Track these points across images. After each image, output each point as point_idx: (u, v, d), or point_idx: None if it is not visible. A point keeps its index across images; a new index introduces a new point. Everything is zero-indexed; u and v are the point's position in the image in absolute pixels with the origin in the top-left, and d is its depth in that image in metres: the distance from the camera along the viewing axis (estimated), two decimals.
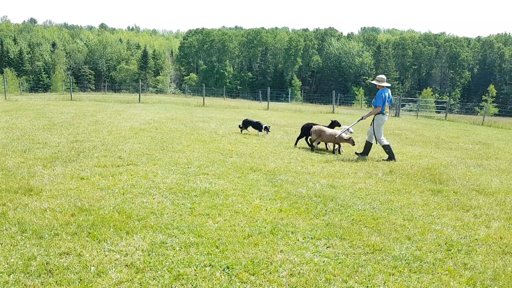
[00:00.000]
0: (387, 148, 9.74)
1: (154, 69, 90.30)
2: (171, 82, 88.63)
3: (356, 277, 3.70)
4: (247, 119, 13.97)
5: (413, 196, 6.61)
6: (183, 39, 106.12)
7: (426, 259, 4.18)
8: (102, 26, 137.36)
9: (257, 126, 13.37)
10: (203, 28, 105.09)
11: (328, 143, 11.17)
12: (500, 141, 15.45)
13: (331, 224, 5.08)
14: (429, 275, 3.83)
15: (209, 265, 3.79)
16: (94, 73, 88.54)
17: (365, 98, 58.89)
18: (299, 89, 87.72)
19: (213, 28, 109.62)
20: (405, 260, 4.13)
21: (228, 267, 3.75)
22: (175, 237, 4.41)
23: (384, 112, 9.64)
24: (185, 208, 5.36)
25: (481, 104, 61.39)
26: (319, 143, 10.98)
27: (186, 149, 9.61)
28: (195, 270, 3.68)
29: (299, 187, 6.76)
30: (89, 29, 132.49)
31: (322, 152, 10.51)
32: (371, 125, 9.95)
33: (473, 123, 26.12)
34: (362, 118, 10.10)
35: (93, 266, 3.68)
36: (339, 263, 3.98)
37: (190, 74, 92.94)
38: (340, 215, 5.45)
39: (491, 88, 71.62)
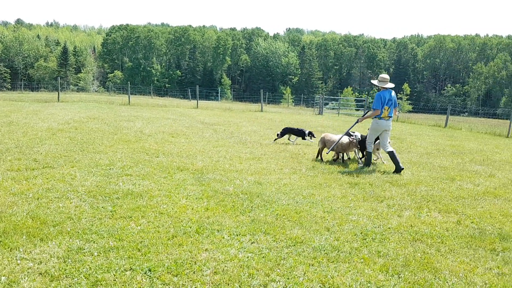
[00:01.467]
0: (368, 156, 9.02)
1: (75, 67, 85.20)
2: (94, 79, 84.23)
3: (278, 270, 3.81)
4: (287, 127, 12.80)
5: (333, 189, 6.94)
6: (106, 35, 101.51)
7: (343, 248, 4.42)
8: (19, 21, 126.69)
9: (300, 133, 12.33)
10: (127, 24, 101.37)
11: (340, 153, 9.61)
12: (412, 136, 16.75)
13: (256, 220, 5.17)
14: (346, 263, 4.06)
15: (130, 269, 3.67)
16: (9, 71, 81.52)
17: (292, 97, 60.68)
18: (229, 88, 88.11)
19: (138, 24, 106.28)
20: (324, 250, 4.33)
21: (150, 270, 3.66)
22: (94, 242, 4.21)
23: (381, 116, 8.59)
24: (106, 212, 5.14)
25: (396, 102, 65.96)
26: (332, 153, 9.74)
27: (108, 150, 9.21)
28: (115, 275, 3.55)
29: (226, 185, 6.79)
30: (4, 24, 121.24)
31: (252, 151, 10.62)
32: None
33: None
34: (358, 121, 9.33)
35: (3, 276, 3.40)
36: (263, 257, 4.07)
37: (115, 71, 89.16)
38: (265, 210, 5.57)
39: (406, 87, 77.34)
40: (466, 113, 73.89)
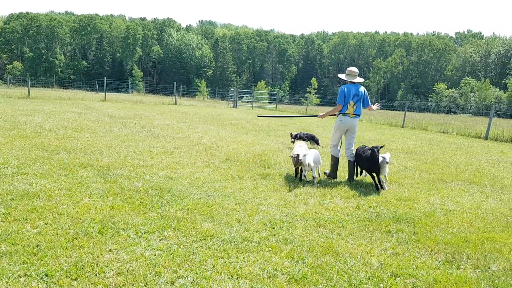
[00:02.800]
0: (333, 160, 7.81)
1: None
2: None
3: (187, 266, 3.77)
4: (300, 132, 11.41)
5: (245, 181, 7.05)
6: (4, 24, 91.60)
7: (252, 238, 4.51)
8: None
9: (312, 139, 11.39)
10: (27, 12, 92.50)
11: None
12: (319, 128, 17.65)
13: (166, 216, 5.06)
14: (254, 253, 4.15)
15: (24, 275, 3.37)
16: None
17: (207, 90, 60.34)
18: (140, 80, 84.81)
19: (39, 12, 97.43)
20: (234, 242, 4.38)
21: (46, 275, 3.40)
22: None
23: (345, 112, 7.51)
24: None
25: (305, 95, 69.10)
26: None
27: (3, 147, 8.35)
28: (7, 282, 3.24)
29: (135, 181, 6.54)
30: None
31: (164, 145, 10.33)
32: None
33: (298, 112, 29.21)
34: (317, 115, 8.32)
35: None
36: (171, 254, 4.00)
37: (14, 62, 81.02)
38: (176, 206, 5.47)
39: (313, 81, 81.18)
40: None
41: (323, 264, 3.99)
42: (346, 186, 7.14)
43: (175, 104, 28.13)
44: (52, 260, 3.67)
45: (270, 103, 41.73)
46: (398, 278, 3.83)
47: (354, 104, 7.51)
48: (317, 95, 74.67)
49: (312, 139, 11.43)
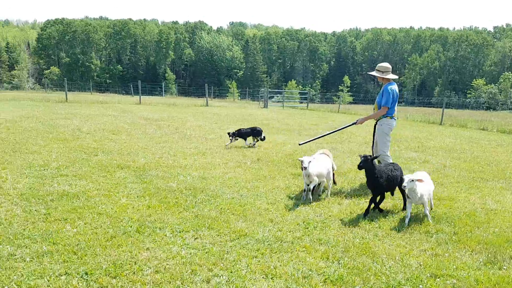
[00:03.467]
0: None
1: (8, 64, 79.42)
2: (29, 76, 79.14)
3: (221, 264, 3.80)
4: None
5: (277, 181, 7.03)
6: (41, 30, 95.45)
7: (286, 238, 4.49)
8: None
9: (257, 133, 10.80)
10: (63, 18, 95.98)
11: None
12: (352, 126, 17.32)
13: (200, 215, 5.12)
14: (288, 253, 4.13)
15: (65, 274, 3.50)
16: None
17: (237, 91, 60.69)
18: (173, 83, 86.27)
19: (74, 18, 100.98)
20: (268, 242, 4.37)
21: (86, 273, 3.51)
22: (26, 247, 3.96)
23: (393, 115, 6.75)
24: (39, 215, 4.85)
25: (337, 94, 68.25)
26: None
27: (42, 150, 8.71)
28: (49, 281, 3.36)
29: (169, 182, 6.66)
30: None
31: (197, 146, 10.47)
32: (374, 134, 7.01)
33: (330, 111, 28.90)
34: (356, 122, 7.19)
35: None
36: (206, 252, 4.04)
37: (51, 67, 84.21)
38: (209, 205, 5.53)
39: (346, 79, 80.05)
40: (403, 103, 77.98)
41: (359, 265, 3.92)
42: None
43: (207, 105, 28.45)
44: (92, 259, 3.79)
45: (301, 102, 41.46)
46: (438, 279, 3.71)
47: (397, 105, 6.85)
48: (349, 93, 73.60)
49: (252, 133, 10.76)
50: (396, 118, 6.87)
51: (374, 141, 7.02)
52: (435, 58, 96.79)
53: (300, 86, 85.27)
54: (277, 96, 44.07)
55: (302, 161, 5.70)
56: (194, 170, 7.64)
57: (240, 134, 10.63)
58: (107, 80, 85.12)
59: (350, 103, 55.47)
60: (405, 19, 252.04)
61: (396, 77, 6.87)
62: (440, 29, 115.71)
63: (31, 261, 3.70)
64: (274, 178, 7.23)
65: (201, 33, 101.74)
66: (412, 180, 4.96)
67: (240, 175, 7.38)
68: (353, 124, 7.32)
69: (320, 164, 6.00)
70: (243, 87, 73.03)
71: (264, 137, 10.85)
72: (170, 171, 7.41)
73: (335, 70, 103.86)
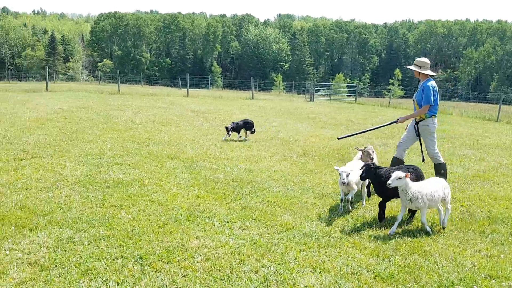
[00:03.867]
0: (442, 168, 6.37)
1: (63, 56, 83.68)
2: (83, 69, 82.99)
3: (269, 256, 3.83)
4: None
5: (324, 175, 6.96)
6: (95, 24, 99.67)
7: (334, 234, 4.45)
8: (4, 10, 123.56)
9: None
10: (115, 12, 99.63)
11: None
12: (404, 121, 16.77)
13: (247, 207, 5.18)
14: (337, 248, 4.09)
15: (121, 257, 3.67)
16: None
17: (283, 84, 60.47)
18: (219, 76, 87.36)
19: (126, 12, 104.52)
20: (315, 236, 4.35)
21: (141, 258, 3.66)
22: (84, 231, 4.19)
23: (436, 113, 6.33)
24: (96, 201, 5.12)
25: (388, 87, 66.20)
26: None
27: (98, 139, 9.14)
28: (106, 264, 3.54)
29: (217, 173, 6.78)
30: None
31: (239, 139, 10.56)
32: (408, 132, 6.61)
33: (380, 105, 28.11)
34: (396, 121, 6.77)
35: None
36: (254, 243, 4.09)
37: (104, 60, 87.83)
38: (256, 197, 5.58)
39: (397, 72, 77.40)
40: (457, 98, 74.25)
41: (411, 263, 3.81)
42: None
43: (252, 98, 28.58)
44: (146, 244, 3.95)
45: (349, 96, 40.67)
46: (493, 281, 3.54)
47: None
48: (401, 87, 71.13)
49: (245, 126, 10.39)
50: (436, 116, 6.37)
51: (406, 141, 6.64)
52: (492, 52, 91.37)
53: (348, 79, 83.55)
54: (324, 90, 43.45)
55: (340, 173, 4.97)
56: (240, 162, 7.73)
57: (234, 127, 10.23)
58: (156, 73, 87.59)
59: (401, 97, 53.57)
60: (460, 11, 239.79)
61: (434, 74, 6.40)
62: (498, 21, 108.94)
63: (89, 244, 3.91)
64: (321, 172, 7.16)
65: (248, 26, 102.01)
66: (400, 178, 4.32)
67: (286, 169, 7.38)
68: (393, 122, 6.88)
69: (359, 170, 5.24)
70: (289, 80, 72.63)
71: (254, 129, 10.63)
72: (217, 163, 7.54)
73: (385, 63, 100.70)
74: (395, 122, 6.78)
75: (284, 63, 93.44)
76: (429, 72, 6.24)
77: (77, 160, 7.15)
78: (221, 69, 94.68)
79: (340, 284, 3.37)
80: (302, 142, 10.25)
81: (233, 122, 10.53)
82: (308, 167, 7.58)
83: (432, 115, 6.28)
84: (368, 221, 4.88)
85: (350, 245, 4.17)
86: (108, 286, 3.19)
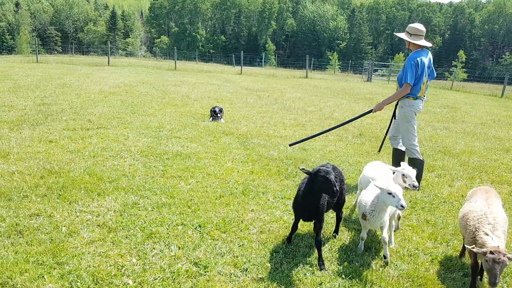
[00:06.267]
0: (417, 166, 4.62)
1: (123, 31, 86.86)
2: (141, 44, 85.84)
3: (324, 234, 3.86)
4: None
5: (380, 157, 6.82)
6: (153, 0, 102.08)
7: None
8: None
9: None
10: None
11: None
12: (467, 105, 15.94)
13: None
14: None
15: (181, 224, 3.86)
16: (60, 34, 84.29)
17: (338, 63, 59.04)
18: (273, 54, 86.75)
19: None
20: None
21: (200, 226, 3.84)
22: (147, 198, 4.44)
23: (418, 95, 5.19)
24: (157, 171, 5.38)
25: (450, 70, 62.64)
26: None
27: (157, 113, 9.49)
28: (168, 229, 3.75)
29: (270, 150, 6.85)
30: None
31: (296, 117, 10.53)
32: (393, 117, 5.68)
33: (442, 88, 26.74)
34: (371, 110, 5.67)
35: (64, 226, 3.69)
36: None
37: (161, 36, 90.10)
38: None
39: (461, 54, 72.97)
40: None
41: None
42: (499, 169, 6.40)
43: (306, 77, 28.22)
44: (204, 214, 4.12)
45: None
46: None
47: (426, 81, 5.27)
48: (464, 70, 67.07)
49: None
50: (423, 99, 5.27)
51: (392, 127, 5.67)
52: None
53: None
54: (382, 70, 41.93)
55: (393, 195, 3.24)
56: (294, 140, 7.72)
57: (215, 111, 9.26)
58: (211, 50, 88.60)
59: (464, 80, 50.59)
60: None
61: (429, 44, 5.25)
62: None
63: (152, 210, 4.15)
64: (377, 154, 7.02)
65: (305, 2, 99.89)
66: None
67: (342, 149, 7.30)
68: (369, 112, 5.74)
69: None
70: (345, 59, 70.73)
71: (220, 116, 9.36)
72: (271, 140, 7.60)
73: (449, 43, 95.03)
74: (370, 111, 5.67)
75: (341, 41, 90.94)
76: (422, 42, 5.16)
77: (138, 132, 7.50)
78: (275, 47, 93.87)
79: (396, 265, 3.35)
80: (358, 123, 10.04)
81: (216, 107, 9.48)
82: (364, 148, 7.45)
83: (410, 96, 5.15)
84: (427, 205, 4.75)
85: (407, 228, 4.10)
86: (170, 250, 3.39)
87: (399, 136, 5.55)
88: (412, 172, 3.83)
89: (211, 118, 9.28)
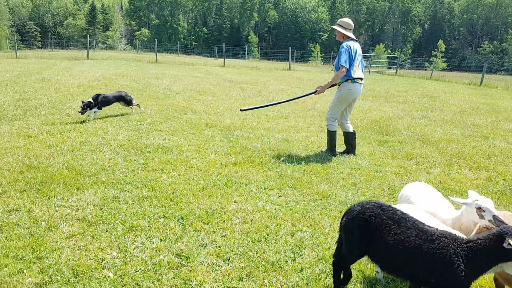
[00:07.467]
0: (331, 136, 6.29)
1: (103, 24, 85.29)
2: (121, 37, 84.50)
3: (305, 221, 3.91)
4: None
5: (361, 147, 6.90)
6: None
7: None
8: None
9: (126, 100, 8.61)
10: None
11: None
12: (446, 94, 16.22)
13: (284, 175, 5.25)
14: None
15: (163, 217, 3.85)
16: (40, 29, 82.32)
17: (321, 55, 59.22)
18: (256, 46, 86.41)
19: None
20: (351, 204, 4.36)
21: (182, 218, 3.83)
22: (128, 191, 4.41)
23: (354, 77, 5.89)
24: (138, 164, 5.33)
25: (430, 59, 63.53)
26: None
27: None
28: (149, 222, 3.74)
29: (254, 142, 6.86)
30: None
31: (279, 109, 10.56)
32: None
33: (422, 78, 27.12)
34: (315, 92, 6.26)
35: (43, 221, 3.64)
36: (290, 209, 4.17)
37: (142, 29, 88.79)
38: (292, 166, 5.63)
39: (441, 44, 74.04)
40: (503, 72, 70.23)
41: None
42: (477, 156, 6.55)
43: (289, 69, 28.26)
44: (186, 206, 4.12)
45: (389, 68, 39.37)
46: None
47: (358, 65, 5.95)
48: (443, 59, 68.07)
49: (123, 100, 8.48)
50: (361, 82, 5.99)
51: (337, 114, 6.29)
52: None
53: (389, 51, 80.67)
54: (363, 61, 42.24)
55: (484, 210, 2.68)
56: (277, 132, 7.76)
57: (102, 102, 8.11)
58: (193, 43, 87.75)
59: (444, 69, 51.38)
60: None
61: (355, 38, 6.04)
62: None
63: (133, 203, 4.12)
64: (358, 144, 7.06)
65: None
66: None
67: (323, 140, 7.34)
68: (312, 93, 6.37)
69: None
70: (327, 51, 70.99)
71: (131, 101, 8.67)
72: (254, 132, 7.61)
73: (429, 33, 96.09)
74: (314, 93, 6.28)
75: (322, 33, 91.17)
76: (351, 34, 6.00)
77: (118, 126, 7.42)
78: (257, 39, 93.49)
79: None
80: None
81: (101, 95, 8.14)
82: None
83: (349, 79, 5.87)
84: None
85: None
86: (152, 242, 3.38)
87: (346, 120, 6.36)
88: (490, 204, 2.70)
89: (81, 111, 7.60)
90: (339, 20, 6.14)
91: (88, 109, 7.70)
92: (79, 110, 7.63)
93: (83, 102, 7.73)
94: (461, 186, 5.12)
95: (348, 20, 6.07)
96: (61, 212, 3.85)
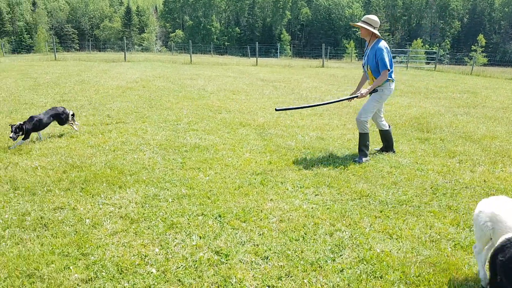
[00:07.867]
0: (367, 139, 5.93)
1: (138, 27, 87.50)
2: (156, 39, 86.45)
3: (344, 221, 3.84)
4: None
5: (400, 144, 6.73)
6: None
7: (411, 202, 4.33)
8: None
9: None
10: None
11: None
12: (487, 90, 15.56)
13: (320, 173, 5.19)
14: (414, 217, 3.99)
15: (202, 215, 3.90)
16: (77, 32, 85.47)
17: (355, 51, 58.21)
18: (288, 44, 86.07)
19: None
20: (391, 204, 4.27)
21: (220, 216, 3.87)
22: (167, 190, 4.50)
23: (393, 77, 5.76)
24: (176, 163, 5.43)
25: (470, 54, 61.10)
26: None
27: (174, 107, 9.57)
28: (188, 220, 3.79)
29: (288, 140, 6.83)
30: None
31: (311, 108, 10.44)
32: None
33: (462, 73, 26.14)
34: (357, 96, 5.93)
35: (88, 218, 3.77)
36: (327, 209, 4.12)
37: (176, 30, 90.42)
38: (328, 165, 5.56)
39: (481, 38, 71.07)
40: None
41: None
42: None
43: (323, 66, 27.96)
44: (223, 204, 4.15)
45: (428, 63, 38.17)
46: None
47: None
48: (484, 54, 65.33)
49: (59, 117, 6.68)
50: (394, 80, 5.81)
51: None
52: None
53: (426, 46, 78.24)
54: (400, 57, 41.20)
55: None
56: (311, 130, 7.69)
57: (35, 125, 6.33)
58: (226, 43, 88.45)
59: (485, 64, 49.30)
60: None
61: (381, 37, 5.74)
62: None
63: (173, 201, 4.20)
64: (397, 141, 6.92)
65: None
66: None
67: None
68: (354, 97, 6.00)
69: None
70: (362, 47, 69.70)
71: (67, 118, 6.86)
72: (288, 131, 7.58)
73: (468, 28, 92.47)
74: (356, 97, 5.93)
75: (357, 29, 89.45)
76: (378, 33, 5.65)
77: (157, 126, 7.58)
78: (290, 37, 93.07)
79: (418, 251, 3.31)
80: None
81: (34, 117, 6.32)
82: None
83: (390, 79, 5.68)
84: (448, 191, 4.67)
85: (429, 214, 4.04)
86: (192, 239, 3.43)
87: (381, 118, 6.19)
88: None
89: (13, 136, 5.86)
90: (365, 17, 5.75)
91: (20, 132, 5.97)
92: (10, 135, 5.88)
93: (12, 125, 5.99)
94: (506, 185, 4.89)
95: (375, 18, 5.73)
96: (105, 209, 3.97)
